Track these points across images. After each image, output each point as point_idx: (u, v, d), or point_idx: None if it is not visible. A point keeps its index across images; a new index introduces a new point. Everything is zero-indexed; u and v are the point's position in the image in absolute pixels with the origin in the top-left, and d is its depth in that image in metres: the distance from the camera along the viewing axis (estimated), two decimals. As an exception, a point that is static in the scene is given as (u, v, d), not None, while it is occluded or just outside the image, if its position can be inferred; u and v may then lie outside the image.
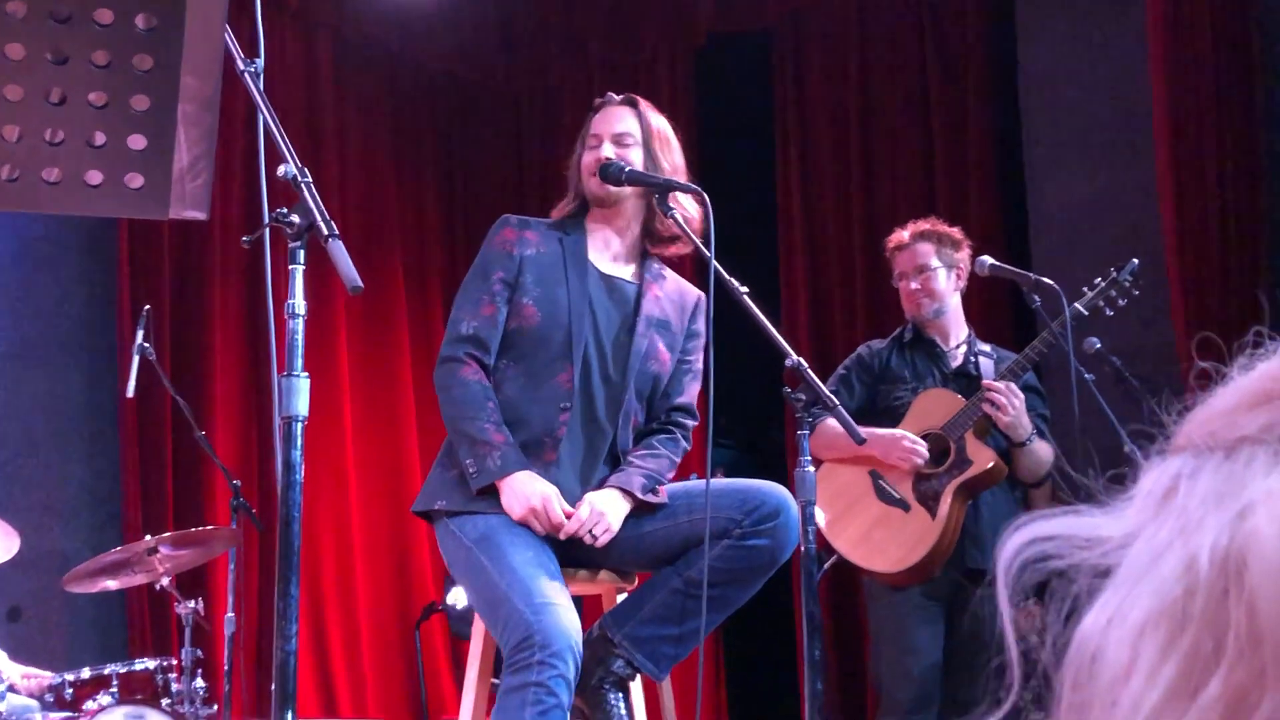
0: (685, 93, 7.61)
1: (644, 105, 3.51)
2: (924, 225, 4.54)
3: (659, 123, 3.48)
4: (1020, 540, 0.63)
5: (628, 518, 3.25)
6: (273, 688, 2.06)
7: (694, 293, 3.57)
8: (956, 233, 4.53)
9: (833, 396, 3.09)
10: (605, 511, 3.21)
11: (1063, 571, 0.62)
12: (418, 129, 7.80)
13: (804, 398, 3.11)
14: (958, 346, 4.53)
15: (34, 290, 6.33)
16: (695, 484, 3.29)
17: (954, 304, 4.52)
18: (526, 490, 3.12)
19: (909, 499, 4.31)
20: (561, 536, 3.18)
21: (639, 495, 3.26)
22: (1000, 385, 4.26)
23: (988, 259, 4.29)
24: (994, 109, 6.89)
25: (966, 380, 4.43)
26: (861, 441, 3.19)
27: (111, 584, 5.18)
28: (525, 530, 3.15)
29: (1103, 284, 4.37)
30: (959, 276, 4.51)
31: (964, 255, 4.50)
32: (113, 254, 6.53)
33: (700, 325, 3.53)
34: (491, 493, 3.17)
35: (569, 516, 3.17)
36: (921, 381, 4.47)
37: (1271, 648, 0.55)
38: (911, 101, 7.05)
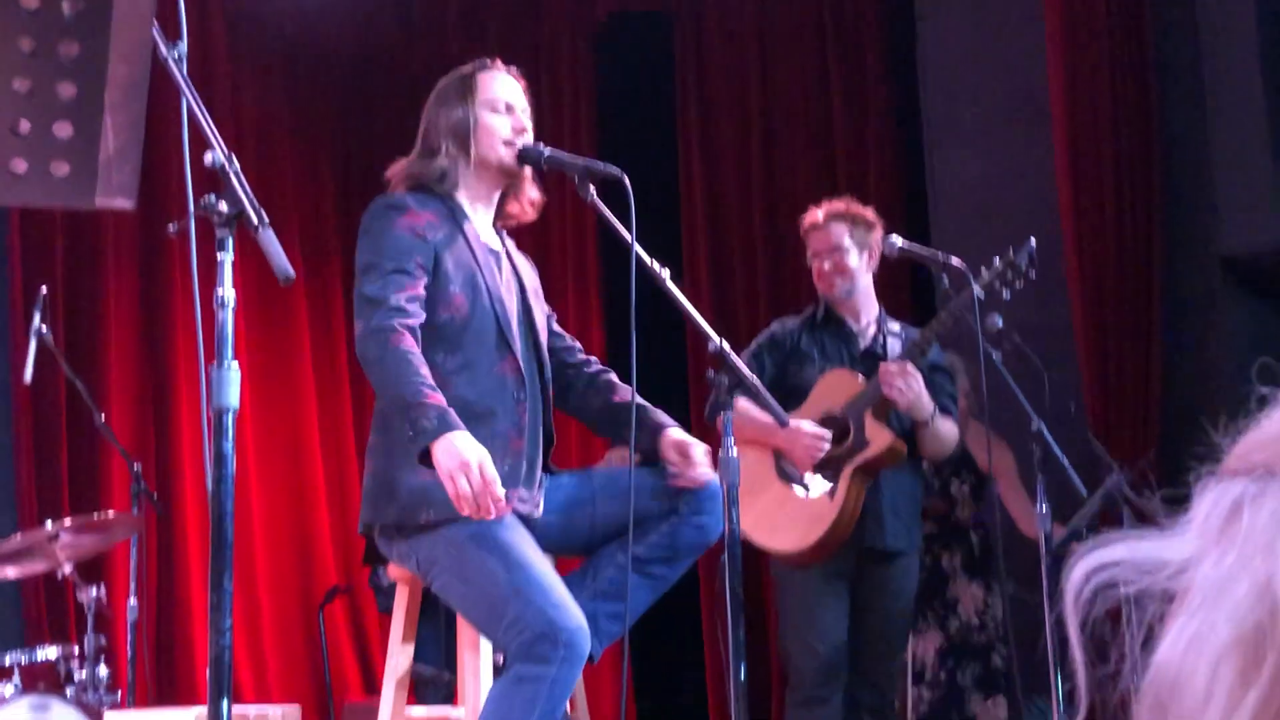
0: (585, 71, 7.60)
1: (524, 83, 3.46)
2: (838, 206, 4.56)
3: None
4: (1087, 567, 0.64)
5: (581, 501, 3.28)
6: (208, 677, 2.03)
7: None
8: (869, 214, 4.57)
9: (756, 379, 3.11)
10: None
11: (1134, 598, 0.63)
12: (314, 107, 7.70)
13: (726, 380, 3.13)
14: (867, 326, 4.57)
15: (-78, 273, 6.18)
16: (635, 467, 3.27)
17: (865, 284, 4.55)
18: (461, 447, 2.90)
19: (809, 479, 4.35)
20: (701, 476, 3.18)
21: None
22: (894, 368, 4.28)
23: (897, 240, 4.33)
24: (893, 87, 6.97)
25: (874, 360, 4.46)
26: (785, 424, 3.22)
27: (11, 571, 5.08)
28: (519, 527, 3.11)
29: (999, 265, 4.41)
30: (871, 257, 4.54)
31: (876, 236, 4.53)
32: (3, 235, 6.39)
33: None
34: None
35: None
36: (830, 361, 4.50)
37: None
38: (811, 80, 7.10)
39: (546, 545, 3.31)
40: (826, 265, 4.50)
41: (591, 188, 3.23)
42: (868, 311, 4.58)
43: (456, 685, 3.49)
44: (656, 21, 7.50)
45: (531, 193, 3.41)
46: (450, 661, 5.91)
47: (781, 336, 4.55)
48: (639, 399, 3.24)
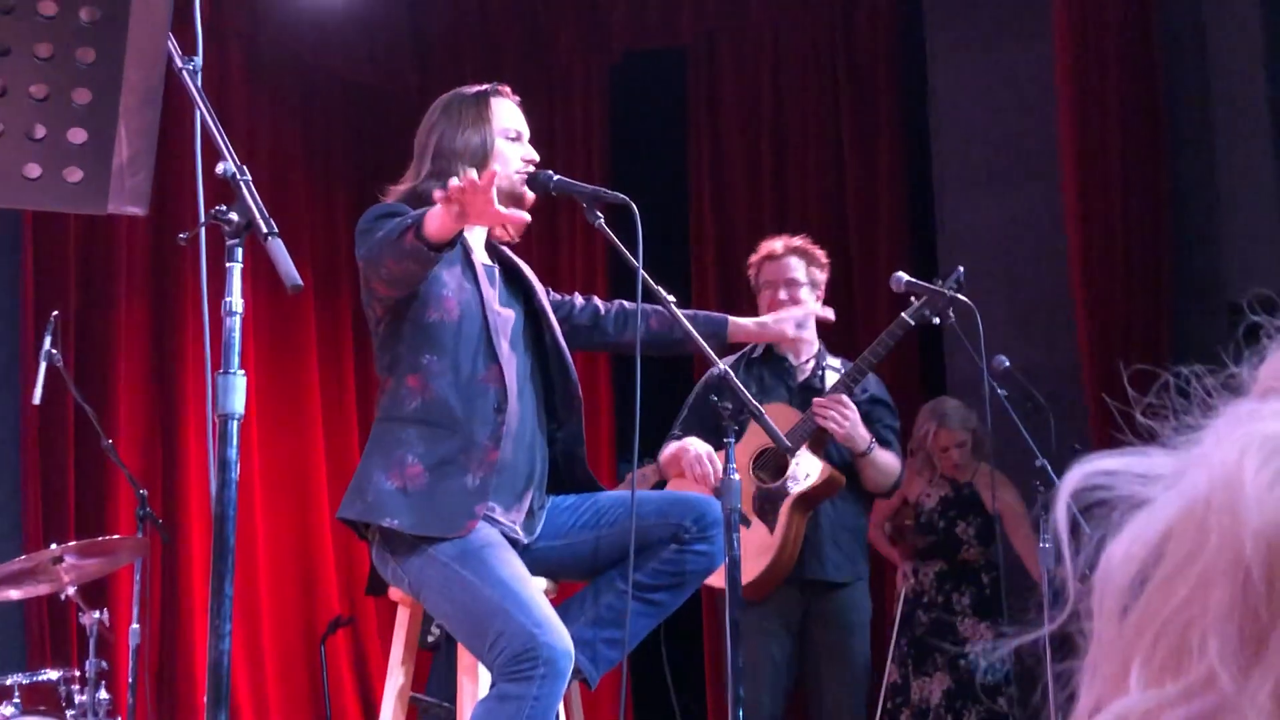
0: (600, 107, 7.65)
1: None
2: (796, 241, 4.58)
3: None
4: (1080, 473, 0.67)
5: (585, 526, 3.28)
6: (206, 683, 2.04)
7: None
8: (823, 255, 4.59)
9: (757, 404, 3.13)
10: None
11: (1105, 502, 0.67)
12: (330, 137, 7.76)
13: (730, 405, 3.14)
14: (807, 361, 4.58)
15: (-65, 295, 6.22)
16: (639, 491, 3.27)
17: (810, 322, 4.52)
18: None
19: (749, 514, 4.34)
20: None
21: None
22: (827, 400, 4.28)
23: (903, 275, 4.34)
24: (904, 128, 7.00)
25: (812, 394, 4.43)
26: (788, 449, 3.24)
27: (14, 594, 5.08)
28: (505, 544, 3.12)
29: (928, 294, 4.35)
30: (818, 298, 4.55)
31: (824, 278, 4.56)
32: (16, 260, 6.42)
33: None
34: (448, 509, 3.09)
35: None
36: (768, 396, 4.47)
37: (1223, 558, 0.61)
38: (823, 120, 7.14)
39: (548, 570, 3.31)
40: (782, 295, 4.48)
41: (599, 214, 3.26)
42: (809, 349, 4.59)
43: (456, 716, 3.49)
44: (670, 58, 7.55)
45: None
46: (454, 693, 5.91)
47: (714, 379, 4.51)
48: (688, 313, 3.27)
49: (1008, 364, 4.58)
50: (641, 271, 3.12)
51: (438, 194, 2.85)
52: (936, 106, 6.73)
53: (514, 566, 3.07)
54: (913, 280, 4.34)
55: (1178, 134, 5.91)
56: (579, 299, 3.55)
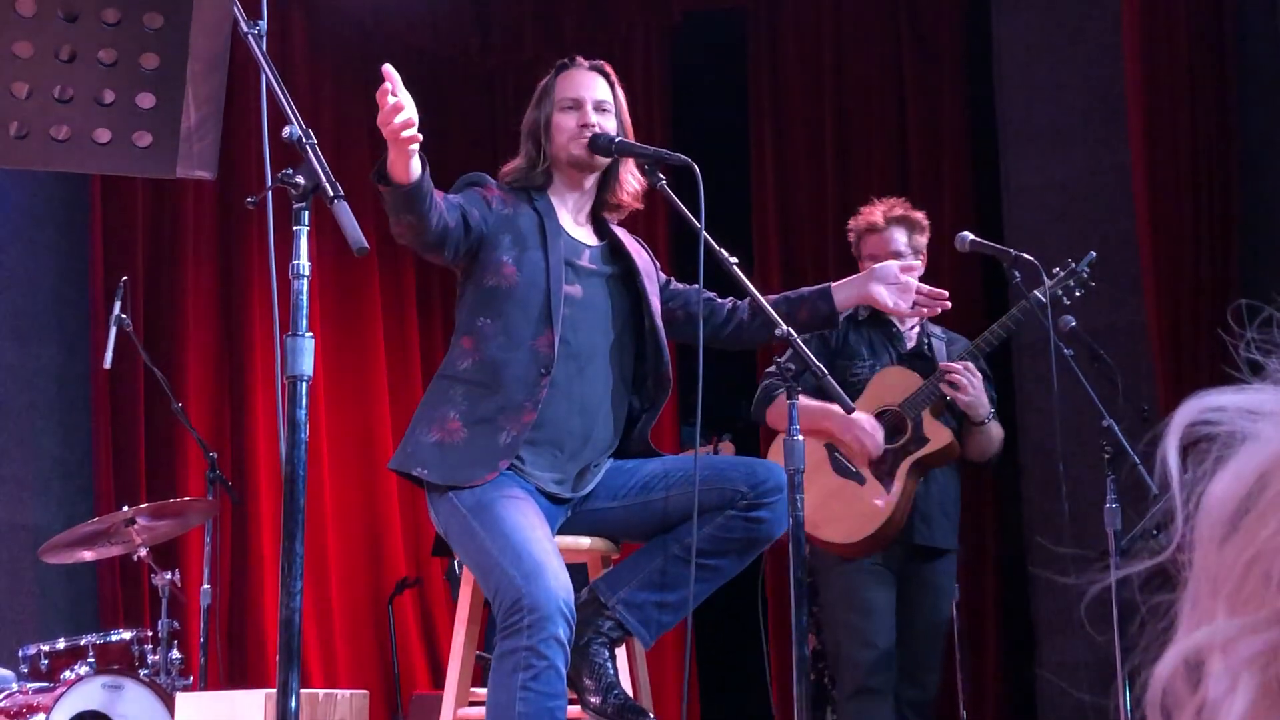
0: (660, 69, 7.62)
1: (613, 74, 3.52)
2: (897, 210, 4.49)
3: (622, 94, 3.50)
4: (1195, 406, 0.67)
5: (655, 488, 3.29)
6: (278, 641, 2.07)
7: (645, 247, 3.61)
8: (923, 217, 4.53)
9: (821, 366, 3.12)
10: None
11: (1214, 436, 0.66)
12: (391, 102, 7.78)
13: (793, 367, 3.14)
14: (911, 328, 4.56)
15: (6, 262, 6.30)
16: (701, 455, 3.26)
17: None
18: None
19: (864, 472, 4.32)
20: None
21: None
22: (959, 366, 4.29)
23: (968, 235, 4.31)
24: (968, 85, 6.93)
25: (921, 361, 4.45)
26: (851, 410, 3.22)
27: (88, 555, 5.18)
28: (522, 496, 3.14)
29: (1061, 274, 4.41)
30: (921, 263, 4.52)
31: (925, 240, 4.51)
32: (85, 225, 6.51)
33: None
34: (473, 461, 3.14)
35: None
36: (878, 359, 4.46)
37: None
38: (886, 78, 7.08)
39: (609, 531, 3.33)
40: None
41: (661, 176, 3.27)
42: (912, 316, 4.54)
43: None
44: (731, 20, 7.51)
45: (630, 184, 3.44)
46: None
47: (828, 334, 4.51)
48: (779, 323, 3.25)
49: (1074, 324, 4.55)
50: (704, 233, 3.12)
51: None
52: (1001, 63, 6.66)
53: (522, 517, 3.07)
54: (977, 240, 4.31)
55: (1247, 88, 5.81)
56: (714, 298, 3.56)
